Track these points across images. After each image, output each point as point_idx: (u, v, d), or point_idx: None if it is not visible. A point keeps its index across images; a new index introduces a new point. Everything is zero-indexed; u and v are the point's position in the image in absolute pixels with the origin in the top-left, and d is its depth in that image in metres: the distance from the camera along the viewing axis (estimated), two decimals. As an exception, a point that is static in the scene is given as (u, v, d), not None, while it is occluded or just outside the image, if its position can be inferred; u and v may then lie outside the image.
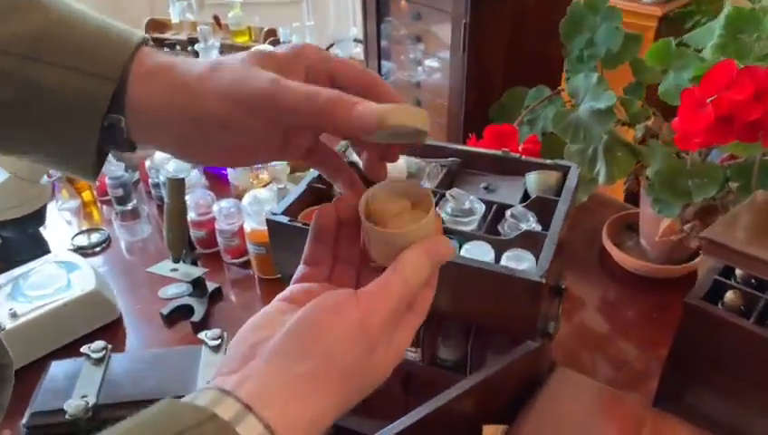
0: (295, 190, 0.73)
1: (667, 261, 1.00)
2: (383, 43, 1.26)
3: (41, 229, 1.11)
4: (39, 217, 1.07)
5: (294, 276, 0.39)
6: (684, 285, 1.00)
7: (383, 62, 1.27)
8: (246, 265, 1.08)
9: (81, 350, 0.85)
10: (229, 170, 1.23)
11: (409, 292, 0.34)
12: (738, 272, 0.69)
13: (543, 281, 0.57)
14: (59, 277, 0.97)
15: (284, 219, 0.67)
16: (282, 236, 0.68)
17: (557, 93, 0.97)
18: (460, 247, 0.66)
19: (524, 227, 0.67)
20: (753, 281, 0.69)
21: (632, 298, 1.01)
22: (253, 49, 0.36)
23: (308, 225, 0.70)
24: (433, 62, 1.20)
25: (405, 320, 0.35)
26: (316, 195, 0.74)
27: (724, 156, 0.91)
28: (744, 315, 0.65)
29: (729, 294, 0.66)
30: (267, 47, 1.57)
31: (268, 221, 0.68)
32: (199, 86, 0.33)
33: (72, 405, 0.78)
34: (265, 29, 1.63)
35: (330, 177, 0.40)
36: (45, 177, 1.04)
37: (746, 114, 0.62)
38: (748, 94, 0.61)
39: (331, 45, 1.60)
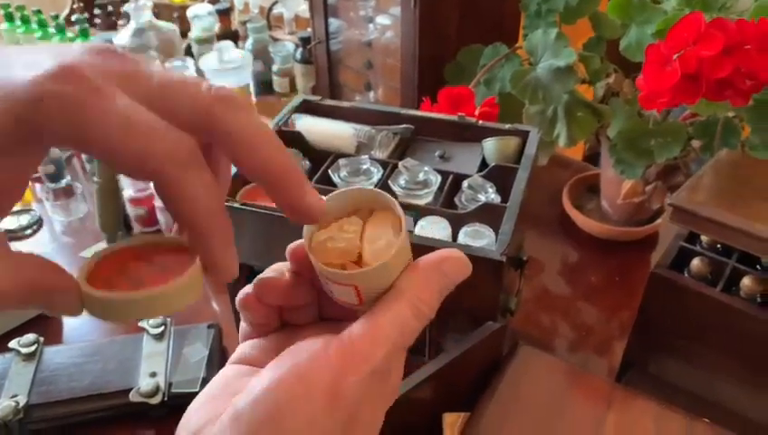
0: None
1: (628, 223, 0.98)
2: (330, -2, 1.18)
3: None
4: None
5: (240, 334, 0.32)
6: (645, 247, 0.99)
7: (331, 20, 1.19)
8: (192, 243, 1.01)
9: (10, 345, 0.79)
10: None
11: (406, 337, 0.26)
12: (704, 238, 0.66)
13: (503, 259, 0.54)
14: (-18, 266, 0.88)
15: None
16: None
17: (514, 51, 0.92)
18: (415, 223, 0.62)
19: (483, 198, 0.63)
20: (718, 247, 0.66)
21: (593, 261, 0.99)
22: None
23: (248, 205, 0.65)
24: (385, 20, 1.13)
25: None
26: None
27: (685, 113, 0.88)
28: (710, 283, 0.62)
29: (695, 262, 0.63)
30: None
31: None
32: None
33: (1, 406, 0.72)
34: (205, -14, 1.52)
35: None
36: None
37: (715, 71, 0.57)
38: (717, 49, 0.57)
39: (275, 3, 1.51)
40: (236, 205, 0.61)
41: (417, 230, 0.61)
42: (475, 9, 1.04)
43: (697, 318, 0.63)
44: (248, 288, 0.30)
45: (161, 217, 1.00)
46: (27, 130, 0.21)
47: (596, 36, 0.91)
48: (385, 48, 1.13)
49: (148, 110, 0.22)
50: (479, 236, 0.59)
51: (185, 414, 0.27)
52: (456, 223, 0.61)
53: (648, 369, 0.70)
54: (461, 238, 0.60)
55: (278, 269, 0.30)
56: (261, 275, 0.30)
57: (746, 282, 0.61)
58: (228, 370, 0.30)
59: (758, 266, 0.62)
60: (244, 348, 0.31)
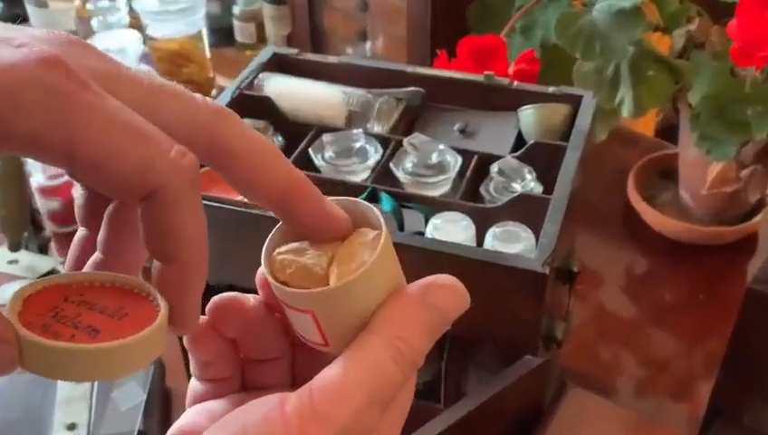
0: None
1: (716, 221, 0.99)
2: None
3: None
4: None
5: (188, 395, 0.33)
6: (741, 254, 1.01)
7: (312, -55, 1.20)
8: (124, 247, 1.03)
9: None
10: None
11: (384, 388, 0.27)
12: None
13: (547, 271, 0.55)
14: None
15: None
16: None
17: (562, -14, 0.93)
18: (426, 222, 0.63)
19: (518, 188, 0.65)
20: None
21: (669, 273, 1.01)
22: None
23: (207, 197, 0.65)
24: (385, -56, 1.14)
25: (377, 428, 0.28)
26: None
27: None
28: (828, 303, 0.63)
29: (808, 274, 0.64)
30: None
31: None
32: None
33: None
34: None
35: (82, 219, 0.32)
36: None
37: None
38: (837, -16, 0.57)
39: None
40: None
41: (430, 231, 0.62)
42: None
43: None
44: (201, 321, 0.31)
45: (82, 212, 1.01)
46: None
47: (675, -34, 0.92)
48: (386, -18, 1.14)
49: None
50: (513, 240, 0.60)
51: None
52: (483, 221, 0.62)
53: (743, 419, 0.71)
54: (489, 242, 0.61)
55: (242, 295, 0.32)
56: (220, 295, 0.31)
57: None
58: None
59: None
60: (191, 415, 0.32)
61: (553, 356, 0.65)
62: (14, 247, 0.90)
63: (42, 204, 1.02)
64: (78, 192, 0.30)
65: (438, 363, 0.66)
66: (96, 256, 0.29)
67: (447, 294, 0.29)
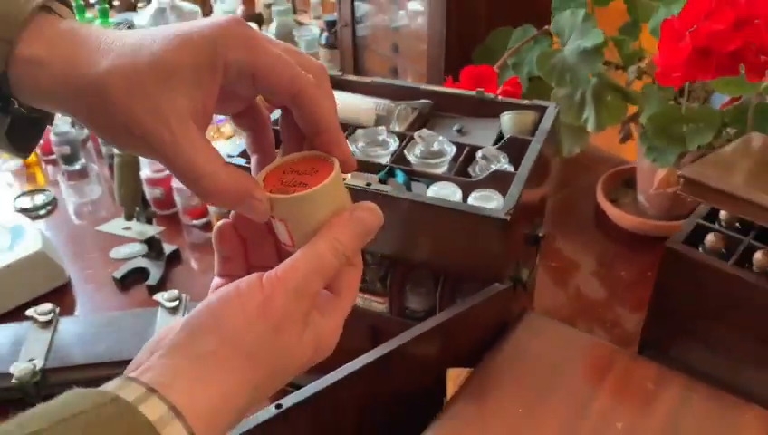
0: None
1: (665, 217, 1.08)
2: (358, -19, 1.32)
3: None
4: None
5: (211, 288, 0.41)
6: None
7: (358, 4, 1.34)
8: (207, 227, 1.16)
9: (27, 313, 0.93)
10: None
11: (322, 267, 0.37)
12: (722, 215, 0.77)
13: (508, 218, 0.64)
14: (1, 239, 1.04)
15: (242, 161, 0.74)
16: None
17: (543, 33, 1.04)
18: (427, 189, 0.73)
19: (495, 167, 0.73)
20: (737, 224, 0.76)
21: (628, 258, 1.09)
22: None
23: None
24: (416, 5, 1.26)
25: (328, 304, 0.39)
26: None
27: (725, 100, 0.98)
28: (724, 258, 0.72)
29: (710, 237, 0.74)
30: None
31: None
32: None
33: (19, 368, 0.85)
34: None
35: (250, 147, 0.43)
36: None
37: (724, 45, 0.69)
38: (727, 24, 0.69)
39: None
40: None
41: (429, 194, 0.71)
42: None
43: (711, 294, 0.72)
44: (225, 220, 0.42)
45: (178, 197, 1.15)
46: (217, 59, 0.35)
47: (632, 20, 1.02)
48: (415, 33, 1.26)
49: None
50: (488, 201, 0.69)
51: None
52: (468, 190, 0.71)
53: (667, 351, 0.79)
54: (471, 201, 0.70)
55: None
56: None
57: (758, 256, 0.71)
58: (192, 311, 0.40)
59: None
60: (210, 295, 0.39)
61: (519, 291, 0.73)
62: (129, 217, 1.01)
63: (148, 191, 1.15)
64: (246, 139, 0.43)
65: (434, 296, 0.75)
66: (255, 158, 0.43)
67: (368, 213, 0.40)
